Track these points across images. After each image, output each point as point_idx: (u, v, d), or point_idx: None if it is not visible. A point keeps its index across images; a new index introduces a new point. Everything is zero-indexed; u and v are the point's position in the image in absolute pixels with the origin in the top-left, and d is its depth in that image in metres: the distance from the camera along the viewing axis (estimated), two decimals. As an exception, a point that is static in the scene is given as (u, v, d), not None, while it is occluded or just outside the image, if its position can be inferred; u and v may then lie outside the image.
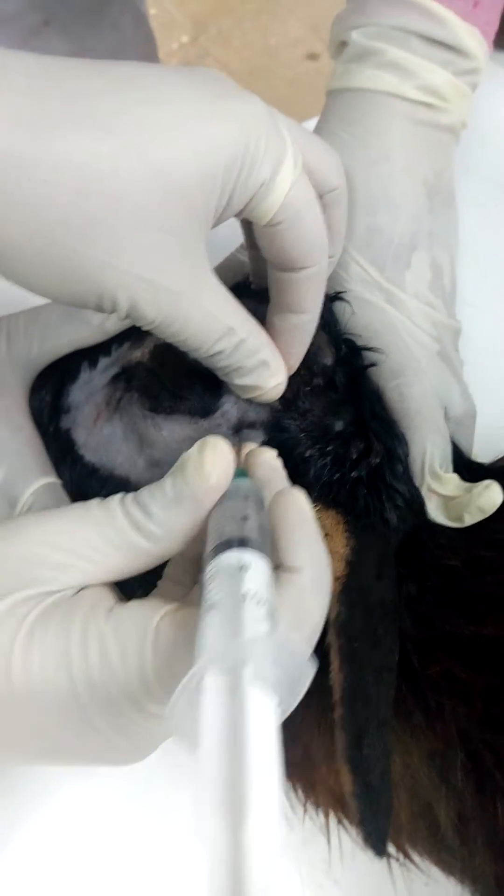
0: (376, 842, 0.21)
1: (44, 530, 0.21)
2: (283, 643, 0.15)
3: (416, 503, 0.28)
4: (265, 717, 0.14)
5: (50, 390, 0.33)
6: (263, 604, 0.16)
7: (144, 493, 0.21)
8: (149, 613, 0.19)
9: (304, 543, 0.20)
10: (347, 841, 0.33)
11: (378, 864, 0.33)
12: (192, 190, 0.22)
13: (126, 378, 0.31)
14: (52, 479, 0.31)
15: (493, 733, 0.23)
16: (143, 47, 0.61)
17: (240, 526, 0.19)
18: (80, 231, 0.21)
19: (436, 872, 0.32)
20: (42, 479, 0.31)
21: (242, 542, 0.18)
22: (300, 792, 0.31)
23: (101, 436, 0.31)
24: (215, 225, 0.24)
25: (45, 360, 0.33)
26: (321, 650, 0.21)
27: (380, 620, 0.22)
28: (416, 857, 0.31)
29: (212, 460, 0.21)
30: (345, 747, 0.20)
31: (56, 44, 0.54)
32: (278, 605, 0.18)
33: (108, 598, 0.21)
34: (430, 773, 0.24)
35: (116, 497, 0.21)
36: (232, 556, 0.18)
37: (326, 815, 0.31)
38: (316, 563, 0.20)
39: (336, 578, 0.24)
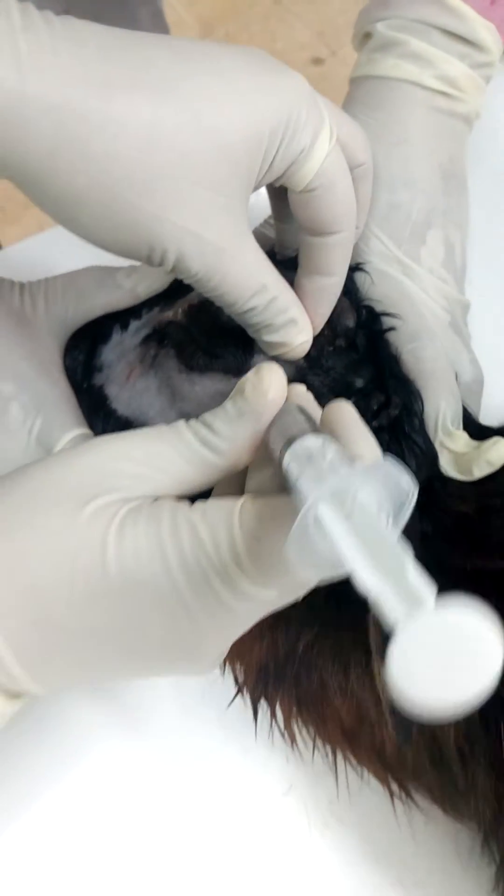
0: (405, 729, 0.23)
1: (117, 447, 0.22)
2: (382, 467, 0.17)
3: (430, 455, 0.30)
4: (384, 526, 0.16)
5: (83, 350, 0.35)
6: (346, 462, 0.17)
7: (207, 415, 0.23)
8: (230, 502, 0.21)
9: (363, 437, 0.22)
10: (353, 780, 0.35)
11: (380, 805, 0.35)
12: (240, 152, 0.24)
13: (157, 338, 0.33)
14: (86, 430, 0.33)
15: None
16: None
17: (301, 426, 0.21)
18: (140, 186, 0.23)
19: (436, 813, 0.34)
20: (77, 430, 0.32)
21: (295, 437, 0.20)
22: (311, 729, 0.33)
23: (134, 390, 0.33)
24: (257, 188, 0.27)
25: (79, 321, 0.35)
26: None
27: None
28: (418, 799, 0.33)
29: (269, 378, 0.23)
30: (380, 642, 0.23)
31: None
32: None
33: (186, 501, 0.22)
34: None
35: (181, 420, 0.23)
36: (303, 443, 0.20)
37: (335, 753, 0.33)
38: (375, 451, 0.21)
39: None
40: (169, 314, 0.33)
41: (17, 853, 0.35)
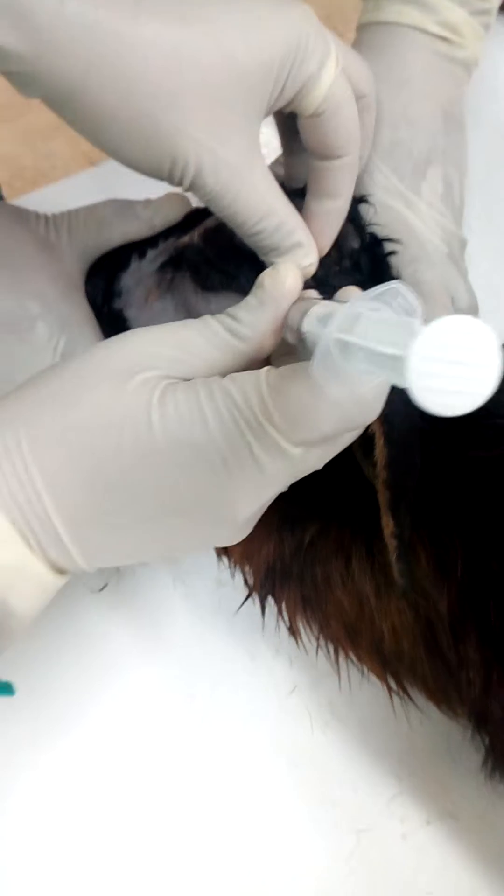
0: (406, 579, 0.26)
1: (152, 336, 0.25)
2: (388, 290, 0.19)
3: None
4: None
5: (103, 277, 0.37)
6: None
7: (231, 308, 0.26)
8: (257, 371, 0.23)
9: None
10: (353, 682, 0.38)
11: (377, 704, 0.38)
12: (254, 76, 0.27)
13: (173, 264, 0.36)
14: None
15: (491, 537, 0.28)
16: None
17: (315, 304, 0.24)
18: (165, 102, 0.26)
19: (430, 712, 0.36)
20: None
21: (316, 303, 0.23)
22: (315, 627, 0.36)
23: (152, 311, 0.36)
24: (268, 112, 0.29)
25: (100, 250, 0.37)
26: (366, 437, 0.25)
27: (409, 427, 0.27)
28: (414, 696, 0.36)
29: (285, 270, 0.26)
30: (388, 500, 0.25)
31: None
32: None
33: (217, 376, 0.25)
34: (435, 574, 0.29)
35: (207, 316, 0.26)
36: (317, 309, 0.22)
37: (336, 651, 0.36)
38: None
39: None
40: (185, 239, 0.35)
41: (64, 767, 0.38)
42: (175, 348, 0.25)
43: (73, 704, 0.39)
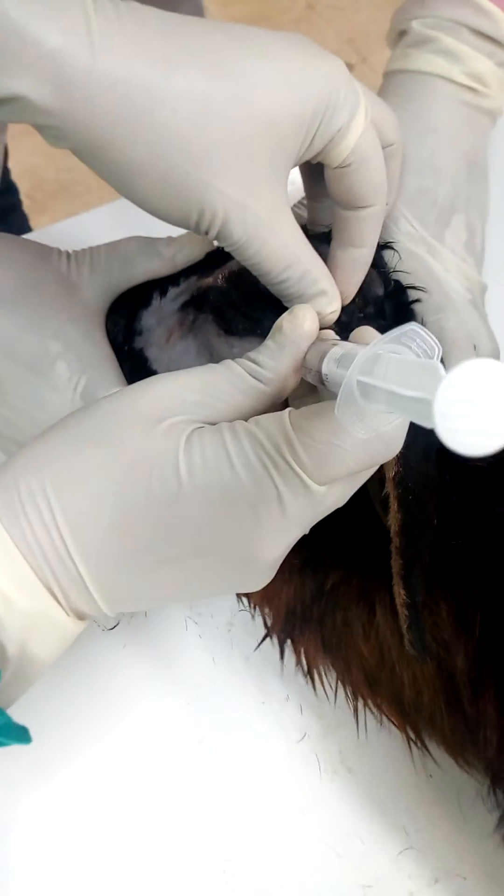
0: (419, 646, 0.26)
1: (177, 381, 0.25)
2: (406, 331, 0.20)
3: None
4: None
5: (124, 314, 0.38)
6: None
7: (252, 352, 0.26)
8: (280, 412, 0.24)
9: None
10: (362, 732, 0.37)
11: (388, 755, 0.37)
12: (285, 130, 0.27)
13: (196, 304, 0.36)
14: None
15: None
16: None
17: (331, 345, 0.25)
18: (194, 156, 0.26)
19: (444, 762, 0.36)
20: (119, 388, 0.35)
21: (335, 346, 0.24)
22: (334, 672, 0.35)
23: (173, 351, 0.36)
24: (297, 163, 0.29)
25: (121, 287, 0.37)
26: (381, 502, 0.25)
27: (425, 486, 0.27)
28: (431, 748, 0.35)
29: (303, 314, 0.26)
30: (400, 568, 0.25)
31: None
32: None
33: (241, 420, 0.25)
34: (455, 628, 0.28)
35: (228, 360, 0.26)
36: (336, 350, 0.23)
37: (356, 697, 0.35)
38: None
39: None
40: (209, 280, 0.36)
41: (70, 794, 0.37)
42: (200, 393, 0.25)
43: (80, 742, 0.39)
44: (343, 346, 0.24)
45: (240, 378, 0.26)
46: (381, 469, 0.26)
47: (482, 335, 0.36)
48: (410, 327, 0.20)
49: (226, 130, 0.26)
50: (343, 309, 0.32)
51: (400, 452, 0.28)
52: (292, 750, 0.38)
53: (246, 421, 0.24)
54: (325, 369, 0.24)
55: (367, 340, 0.26)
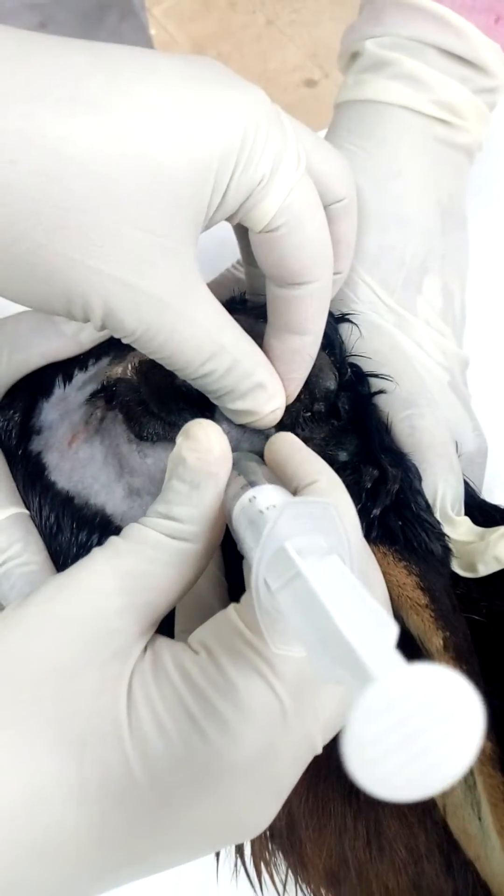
0: None
1: (89, 587, 0.19)
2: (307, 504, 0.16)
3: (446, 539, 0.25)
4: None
5: (19, 409, 0.30)
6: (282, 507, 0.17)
7: (160, 506, 0.20)
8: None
9: (307, 461, 0.21)
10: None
11: None
12: (181, 181, 0.19)
13: (106, 396, 0.28)
14: (19, 509, 0.28)
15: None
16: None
17: (242, 479, 0.20)
18: (49, 223, 0.18)
19: None
20: (10, 509, 0.27)
21: (245, 488, 0.19)
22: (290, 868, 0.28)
23: (76, 459, 0.28)
24: (207, 227, 0.22)
25: (14, 375, 0.30)
26: None
27: (469, 654, 0.21)
28: None
29: (204, 434, 0.20)
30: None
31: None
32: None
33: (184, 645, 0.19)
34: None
35: (132, 525, 0.20)
36: (242, 501, 0.19)
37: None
38: (326, 470, 0.21)
39: (423, 606, 0.23)
40: (118, 370, 0.28)
41: None
42: (123, 593, 0.18)
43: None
44: (244, 499, 0.19)
45: (160, 548, 0.19)
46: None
47: (464, 429, 0.29)
48: (324, 508, 0.16)
49: (92, 186, 0.18)
50: (284, 410, 0.25)
51: (432, 607, 0.23)
52: None
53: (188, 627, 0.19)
54: (234, 522, 0.19)
55: (282, 450, 0.22)
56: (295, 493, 0.20)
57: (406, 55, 0.31)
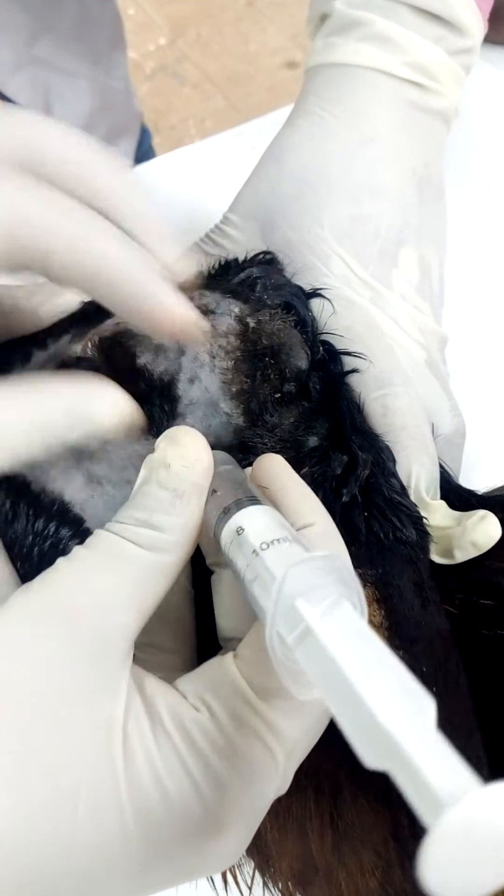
0: None
1: (60, 609, 0.17)
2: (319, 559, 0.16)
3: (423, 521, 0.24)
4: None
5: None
6: (280, 542, 0.17)
7: (137, 512, 0.18)
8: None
9: (305, 498, 0.20)
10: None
11: None
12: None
13: (66, 378, 0.27)
14: None
15: None
16: (108, 26, 0.57)
17: (219, 500, 0.19)
18: None
19: None
20: None
21: (230, 510, 0.18)
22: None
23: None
24: None
25: None
26: None
27: (445, 655, 0.19)
28: None
29: (192, 443, 0.19)
30: None
31: (16, 16, 0.50)
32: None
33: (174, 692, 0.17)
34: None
35: (102, 534, 0.18)
36: (230, 527, 0.18)
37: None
38: (324, 515, 0.19)
39: (377, 626, 0.22)
40: (78, 348, 0.27)
41: None
42: (99, 615, 0.17)
43: None
44: (239, 514, 0.18)
45: (137, 562, 0.17)
46: None
47: (442, 409, 0.28)
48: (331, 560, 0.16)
49: None
50: (251, 392, 0.24)
51: (388, 627, 0.21)
52: None
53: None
54: (223, 544, 0.18)
55: (271, 483, 0.20)
56: None
57: (377, 14, 0.29)
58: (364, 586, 0.22)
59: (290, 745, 0.17)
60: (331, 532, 0.19)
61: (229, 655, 0.18)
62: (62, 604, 0.17)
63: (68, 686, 0.16)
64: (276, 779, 0.17)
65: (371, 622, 0.22)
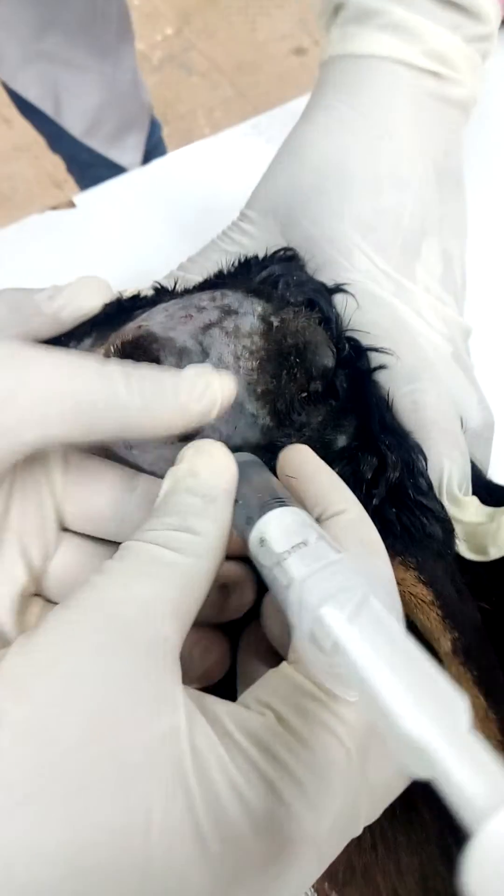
0: None
1: (116, 620, 0.16)
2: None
3: (450, 521, 0.24)
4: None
5: None
6: (302, 546, 0.17)
7: (165, 518, 0.18)
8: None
9: (335, 488, 0.20)
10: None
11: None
12: None
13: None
14: None
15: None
16: (116, 18, 0.56)
17: (244, 510, 0.19)
18: None
19: None
20: None
21: (252, 519, 0.18)
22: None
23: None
24: None
25: None
26: None
27: (484, 640, 0.20)
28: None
29: (218, 450, 0.20)
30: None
31: (23, 11, 0.50)
32: (342, 547, 0.18)
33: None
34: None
35: (129, 545, 0.18)
36: (254, 537, 0.18)
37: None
38: (354, 501, 0.20)
39: (429, 603, 0.22)
40: (101, 352, 0.27)
41: None
42: (149, 626, 0.16)
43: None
44: (261, 523, 0.18)
45: (175, 568, 0.17)
46: None
47: (470, 402, 0.27)
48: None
49: None
50: (278, 392, 0.24)
51: (438, 604, 0.22)
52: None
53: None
54: (252, 555, 0.18)
55: (298, 472, 0.20)
56: (318, 519, 0.19)
57: (393, 3, 0.28)
58: (406, 570, 0.22)
59: (358, 736, 0.16)
60: (364, 518, 0.19)
61: (284, 663, 0.17)
62: (109, 614, 0.16)
63: (127, 700, 0.15)
64: (351, 774, 0.16)
65: (422, 601, 0.22)
